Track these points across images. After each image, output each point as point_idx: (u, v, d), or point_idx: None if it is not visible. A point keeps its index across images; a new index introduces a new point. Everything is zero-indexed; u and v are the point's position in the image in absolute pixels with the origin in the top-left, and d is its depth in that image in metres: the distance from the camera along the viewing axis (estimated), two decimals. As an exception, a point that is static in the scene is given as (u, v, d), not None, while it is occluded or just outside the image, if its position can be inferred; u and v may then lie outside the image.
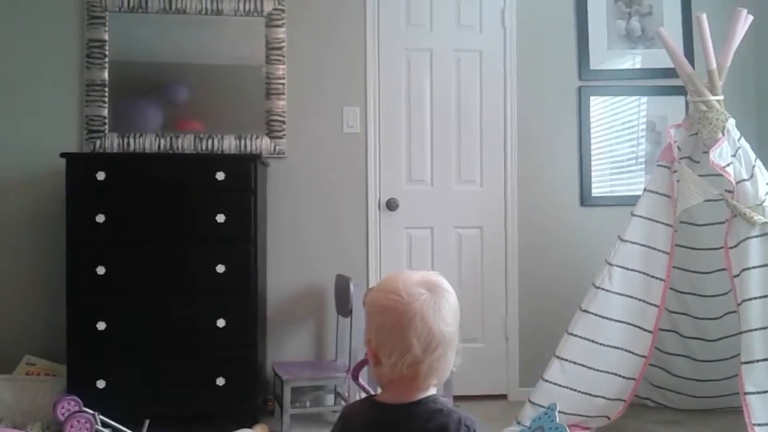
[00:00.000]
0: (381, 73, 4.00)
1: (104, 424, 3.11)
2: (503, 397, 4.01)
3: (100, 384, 3.30)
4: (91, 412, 3.11)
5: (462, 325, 1.36)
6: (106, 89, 3.80)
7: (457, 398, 3.25)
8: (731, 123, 3.27)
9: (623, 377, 3.28)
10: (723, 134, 3.22)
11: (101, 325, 3.31)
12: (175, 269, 3.39)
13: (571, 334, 3.30)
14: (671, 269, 3.32)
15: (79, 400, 3.21)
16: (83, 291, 3.33)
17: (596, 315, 3.29)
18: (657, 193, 3.37)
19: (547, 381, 3.28)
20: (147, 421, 3.07)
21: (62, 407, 3.18)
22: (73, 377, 3.31)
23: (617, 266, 3.32)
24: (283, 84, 3.91)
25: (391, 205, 3.97)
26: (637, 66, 4.18)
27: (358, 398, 2.92)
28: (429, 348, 1.28)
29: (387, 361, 1.30)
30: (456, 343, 1.33)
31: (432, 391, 1.34)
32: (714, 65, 3.28)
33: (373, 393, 2.22)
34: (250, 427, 3.25)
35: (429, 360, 1.29)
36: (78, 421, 3.09)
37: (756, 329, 2.98)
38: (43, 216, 3.70)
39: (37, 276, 3.73)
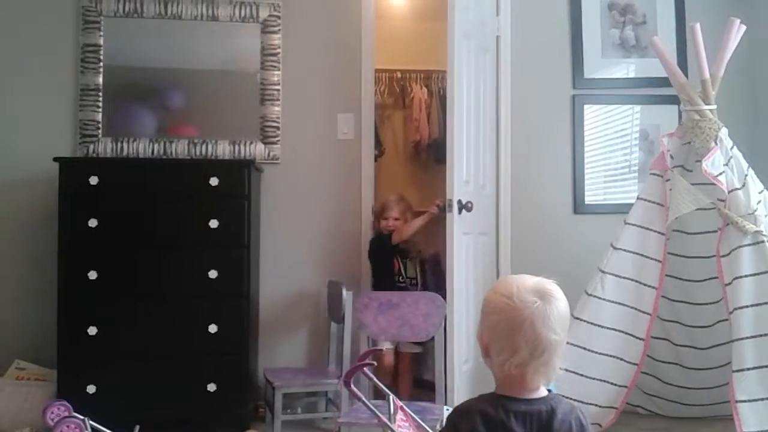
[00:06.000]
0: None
1: (94, 430, 3.08)
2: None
3: (91, 389, 3.29)
4: (81, 417, 3.08)
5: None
6: (101, 94, 3.80)
7: (449, 406, 3.24)
8: (724, 132, 3.29)
9: (615, 385, 3.29)
10: (715, 143, 3.24)
11: (92, 330, 3.30)
12: (167, 274, 3.38)
13: (565, 342, 3.30)
14: (664, 277, 3.33)
15: (68, 405, 3.18)
16: (75, 295, 3.32)
17: (588, 322, 3.29)
18: (650, 201, 3.38)
19: (539, 389, 3.29)
20: (137, 427, 3.05)
21: (52, 412, 3.15)
22: (64, 382, 3.30)
23: (610, 274, 3.33)
24: (278, 90, 3.91)
25: (385, 212, 3.96)
26: (631, 75, 4.20)
27: (349, 405, 2.92)
28: (535, 353, 1.37)
29: (496, 359, 1.41)
30: (562, 349, 1.42)
31: (544, 390, 1.44)
32: (707, 75, 3.30)
33: (366, 401, 2.22)
34: (241, 433, 3.24)
35: (535, 364, 1.38)
36: (68, 427, 3.06)
37: (747, 338, 2.99)
38: (36, 220, 3.69)
39: (29, 280, 3.71)
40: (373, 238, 3.89)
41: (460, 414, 1.43)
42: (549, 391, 1.47)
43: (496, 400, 1.42)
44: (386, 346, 3.59)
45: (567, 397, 3.30)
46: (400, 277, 3.87)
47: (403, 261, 3.89)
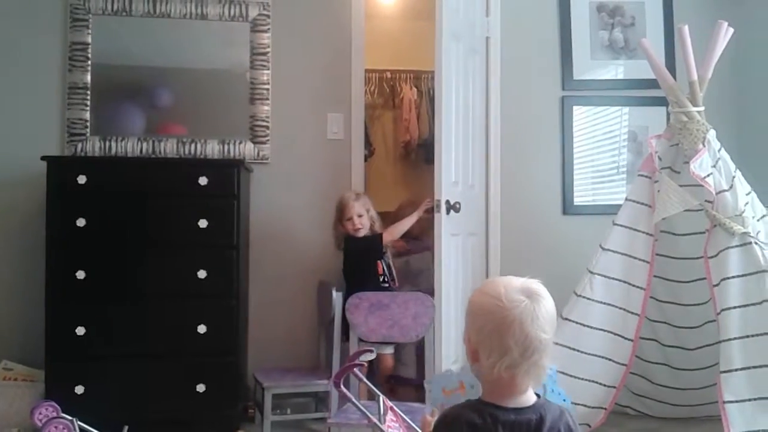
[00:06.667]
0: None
1: (82, 430, 3.07)
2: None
3: (79, 390, 3.27)
4: (69, 418, 3.06)
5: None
6: (89, 92, 3.77)
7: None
8: (712, 134, 3.31)
9: (604, 385, 3.30)
10: (703, 145, 3.26)
11: (80, 330, 3.28)
12: (156, 274, 3.36)
13: (553, 342, 3.32)
14: (652, 278, 3.35)
15: (57, 406, 3.15)
16: (62, 295, 3.29)
17: (577, 323, 3.31)
18: (638, 202, 3.40)
19: (528, 389, 3.30)
20: (126, 428, 3.04)
21: (39, 413, 3.12)
22: (51, 383, 3.27)
23: (598, 275, 3.35)
24: (268, 89, 3.90)
25: (375, 212, 3.95)
26: (620, 76, 4.23)
27: (338, 406, 2.91)
28: (526, 353, 1.36)
29: (486, 361, 1.39)
30: (550, 349, 1.40)
31: (533, 395, 1.43)
32: (695, 77, 3.32)
33: (356, 401, 2.22)
34: (230, 434, 3.23)
35: (526, 365, 1.37)
36: (56, 427, 3.04)
37: (735, 338, 3.01)
38: (23, 219, 3.66)
39: (16, 280, 3.68)
40: (352, 242, 3.59)
41: (447, 425, 1.40)
42: (537, 396, 1.46)
43: (484, 408, 1.39)
44: (370, 357, 3.41)
45: (556, 398, 3.30)
46: (384, 278, 3.66)
47: (383, 260, 3.69)
